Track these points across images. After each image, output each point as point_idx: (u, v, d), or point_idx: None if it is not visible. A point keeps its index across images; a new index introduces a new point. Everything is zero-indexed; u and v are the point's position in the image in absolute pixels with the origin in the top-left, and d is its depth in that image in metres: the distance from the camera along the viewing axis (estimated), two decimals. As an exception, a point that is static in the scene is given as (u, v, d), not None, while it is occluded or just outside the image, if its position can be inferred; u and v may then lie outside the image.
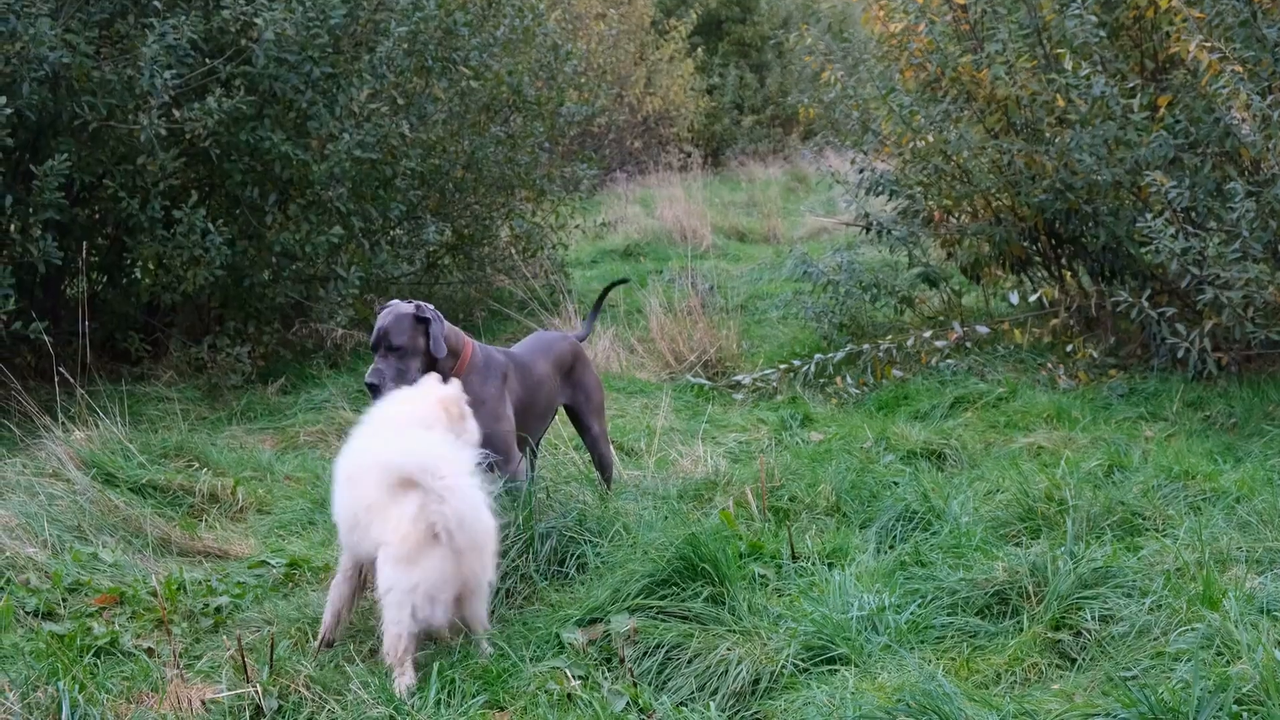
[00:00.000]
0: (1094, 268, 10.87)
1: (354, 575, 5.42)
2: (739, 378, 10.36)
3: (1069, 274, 11.32)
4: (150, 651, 5.26)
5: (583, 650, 5.14)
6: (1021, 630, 5.17)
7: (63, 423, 7.71)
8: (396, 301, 6.31)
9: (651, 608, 5.36)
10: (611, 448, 7.34)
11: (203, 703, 4.74)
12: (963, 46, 11.04)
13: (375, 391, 6.03)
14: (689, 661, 5.02)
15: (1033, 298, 11.13)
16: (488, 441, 5.92)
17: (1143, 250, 9.27)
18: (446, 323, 6.34)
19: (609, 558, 5.84)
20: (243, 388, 10.20)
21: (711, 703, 4.79)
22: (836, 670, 4.92)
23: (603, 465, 7.17)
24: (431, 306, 6.24)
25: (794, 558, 6.02)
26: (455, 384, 5.78)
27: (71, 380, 8.01)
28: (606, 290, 8.33)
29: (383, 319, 6.17)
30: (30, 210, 9.25)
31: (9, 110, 8.70)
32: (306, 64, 10.17)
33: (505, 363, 6.51)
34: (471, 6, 12.68)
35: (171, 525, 6.83)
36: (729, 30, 32.65)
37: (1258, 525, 6.20)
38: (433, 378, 5.78)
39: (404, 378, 6.05)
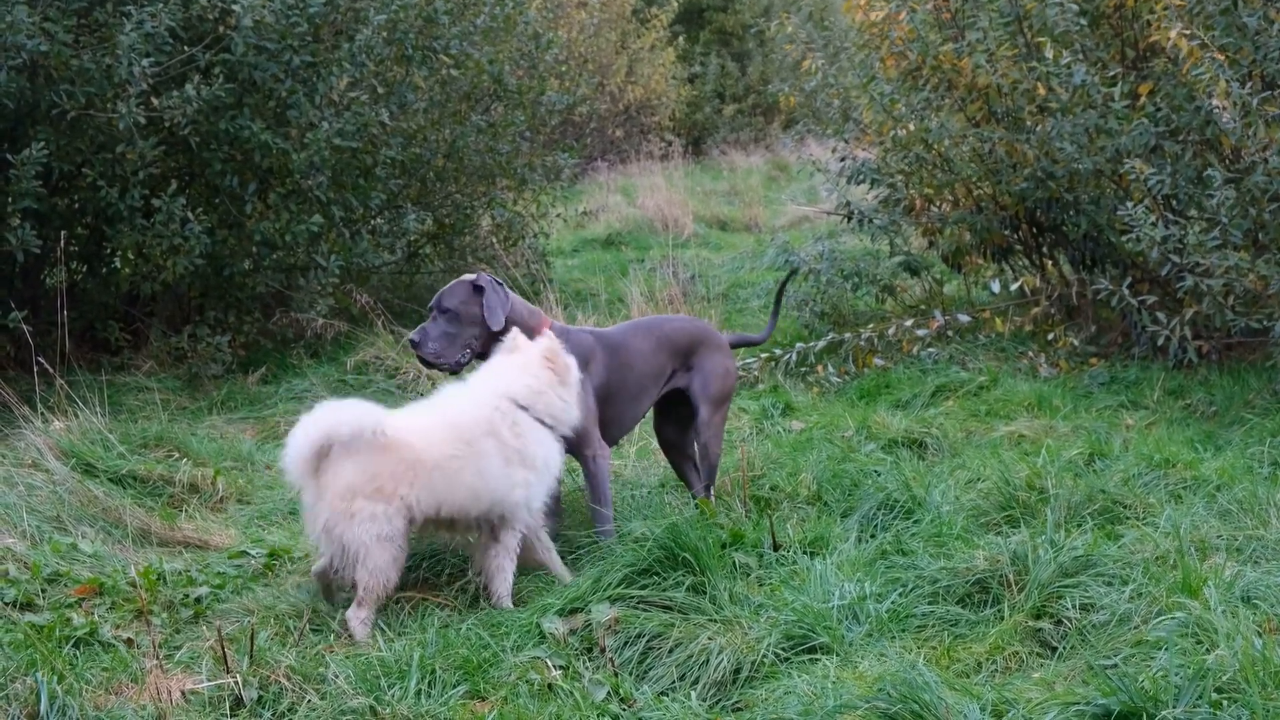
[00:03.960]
0: (1075, 256, 10.89)
1: None
2: (720, 367, 10.34)
3: (1050, 262, 11.34)
4: (130, 642, 5.24)
5: (564, 640, 5.14)
6: (1002, 619, 5.17)
7: (42, 413, 7.67)
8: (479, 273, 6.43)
9: (632, 597, 5.36)
10: (718, 442, 6.87)
11: (182, 693, 4.72)
12: (944, 35, 11.04)
13: (416, 348, 6.22)
14: (670, 651, 5.02)
15: (1014, 286, 11.15)
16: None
17: (1123, 238, 9.28)
18: (519, 299, 6.37)
19: (590, 547, 5.86)
20: (223, 377, 10.17)
21: (692, 692, 4.79)
22: (817, 659, 4.92)
23: (701, 456, 6.81)
24: (492, 278, 6.29)
25: (775, 547, 6.02)
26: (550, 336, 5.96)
27: (51, 370, 7.97)
28: (782, 286, 8.30)
29: (445, 287, 6.33)
30: (8, 199, 9.21)
31: (-14, 98, 8.68)
32: (286, 52, 10.13)
33: (591, 344, 6.41)
34: (451, -6, 12.64)
35: (151, 516, 6.81)
36: (710, 19, 32.62)
37: (1238, 513, 6.22)
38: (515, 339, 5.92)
39: (452, 342, 6.18)
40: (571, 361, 5.95)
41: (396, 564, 5.40)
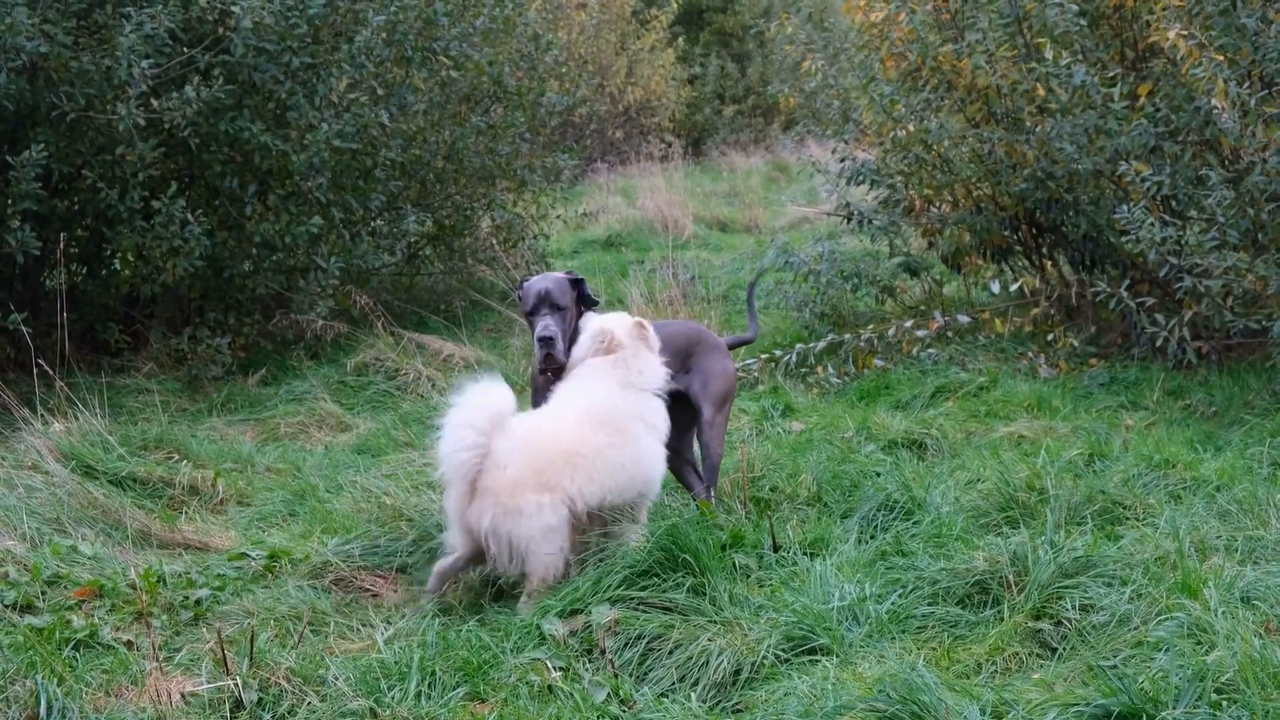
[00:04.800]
0: (1074, 257, 10.88)
1: None
2: (720, 368, 10.33)
3: (1049, 263, 11.34)
4: (130, 644, 5.23)
5: (563, 641, 5.13)
6: (1002, 620, 5.17)
7: (41, 415, 7.67)
8: (539, 275, 6.55)
9: (632, 599, 5.36)
10: (719, 442, 6.86)
11: (182, 695, 4.72)
12: (943, 36, 11.04)
13: (549, 345, 6.25)
14: (670, 652, 5.02)
15: (1013, 287, 11.14)
16: None
17: (1123, 239, 9.29)
18: None
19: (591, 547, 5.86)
20: (223, 379, 10.18)
21: (693, 693, 4.79)
22: (817, 660, 4.92)
23: (703, 456, 6.82)
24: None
25: (775, 548, 6.02)
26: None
27: (50, 372, 7.96)
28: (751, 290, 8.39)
29: (539, 283, 6.37)
30: (8, 201, 9.21)
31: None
32: (285, 53, 10.14)
33: None
34: (451, -5, 12.64)
35: (151, 517, 6.80)
36: (710, 20, 32.60)
37: (1237, 514, 6.21)
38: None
39: (565, 338, 6.30)
40: (651, 326, 6.25)
41: (564, 554, 5.63)
